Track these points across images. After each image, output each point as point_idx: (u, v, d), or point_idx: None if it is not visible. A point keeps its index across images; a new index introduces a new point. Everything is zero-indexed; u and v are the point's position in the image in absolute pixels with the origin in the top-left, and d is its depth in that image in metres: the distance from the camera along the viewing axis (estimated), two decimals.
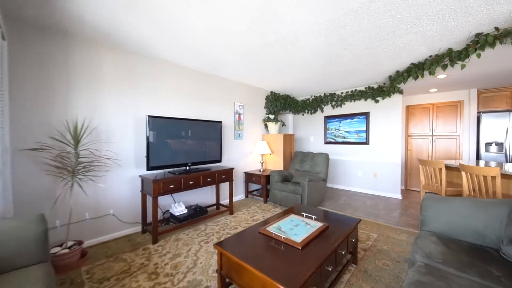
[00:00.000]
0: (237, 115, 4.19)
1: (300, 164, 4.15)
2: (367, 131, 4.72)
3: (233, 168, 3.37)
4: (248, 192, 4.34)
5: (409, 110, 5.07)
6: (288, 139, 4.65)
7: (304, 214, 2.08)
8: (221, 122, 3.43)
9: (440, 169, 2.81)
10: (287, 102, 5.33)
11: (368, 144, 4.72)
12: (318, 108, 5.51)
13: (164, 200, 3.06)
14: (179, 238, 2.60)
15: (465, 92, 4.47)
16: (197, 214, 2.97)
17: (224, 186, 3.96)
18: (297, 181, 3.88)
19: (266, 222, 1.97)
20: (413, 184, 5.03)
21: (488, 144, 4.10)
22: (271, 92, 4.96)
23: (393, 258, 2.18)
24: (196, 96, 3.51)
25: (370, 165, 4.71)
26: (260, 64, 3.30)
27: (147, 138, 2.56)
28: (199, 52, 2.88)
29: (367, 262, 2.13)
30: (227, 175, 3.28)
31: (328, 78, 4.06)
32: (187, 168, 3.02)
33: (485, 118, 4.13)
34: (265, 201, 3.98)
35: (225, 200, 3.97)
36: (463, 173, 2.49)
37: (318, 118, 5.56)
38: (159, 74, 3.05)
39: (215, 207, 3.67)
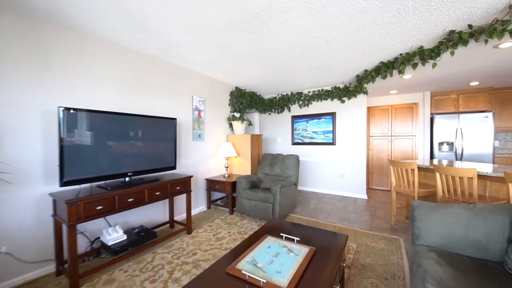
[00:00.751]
0: (197, 112, 3.55)
1: (269, 168, 3.76)
2: (333, 132, 4.62)
3: (191, 176, 2.75)
4: (210, 202, 3.74)
5: (370, 111, 5.20)
6: (256, 140, 4.22)
7: (284, 235, 1.63)
8: (175, 119, 2.77)
9: (413, 170, 2.74)
10: (254, 100, 4.90)
11: (335, 144, 4.62)
12: (285, 107, 5.23)
13: (93, 225, 2.26)
14: (112, 278, 1.88)
15: (420, 95, 4.74)
16: (141, 240, 2.26)
17: (182, 198, 3.28)
18: (267, 187, 3.46)
19: (236, 253, 1.46)
20: (375, 183, 5.16)
21: (440, 144, 4.39)
22: (236, 87, 4.46)
23: (380, 275, 1.92)
24: (142, 85, 2.77)
25: (337, 166, 4.62)
26: (222, 51, 2.77)
27: (61, 140, 1.77)
28: (145, 28, 2.20)
29: (354, 284, 1.81)
30: (183, 185, 2.65)
31: (297, 75, 3.77)
32: (127, 179, 2.29)
33: (437, 120, 4.41)
34: (231, 212, 3.45)
35: (182, 215, 3.30)
36: (437, 174, 2.42)
37: (285, 117, 5.28)
38: (85, 53, 2.25)
39: (168, 225, 2.97)
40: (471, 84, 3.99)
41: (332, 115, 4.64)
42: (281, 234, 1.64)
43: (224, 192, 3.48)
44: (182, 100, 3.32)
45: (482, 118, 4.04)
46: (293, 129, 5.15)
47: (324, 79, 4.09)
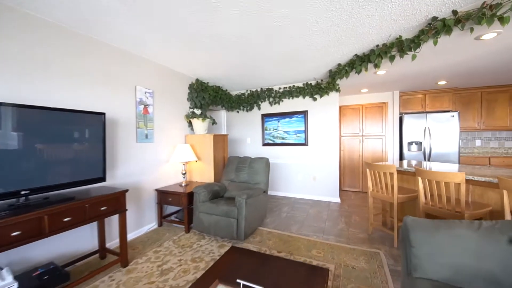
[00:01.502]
0: (142, 107, 2.87)
1: (235, 173, 3.23)
2: (306, 132, 4.29)
3: (125, 191, 2.08)
4: (162, 218, 3.07)
5: (341, 111, 5.01)
6: (221, 141, 3.65)
7: (242, 283, 1.12)
8: (102, 114, 2.08)
9: (392, 174, 2.46)
10: (219, 95, 4.33)
11: (307, 145, 4.29)
12: (255, 105, 4.76)
13: None
14: None
15: (389, 94, 4.67)
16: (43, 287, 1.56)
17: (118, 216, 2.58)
18: (232, 196, 2.94)
19: None
20: (347, 184, 4.98)
21: (409, 144, 4.34)
22: (197, 80, 3.84)
23: None
24: (58, 69, 2.03)
25: (309, 168, 4.30)
26: (171, 31, 2.17)
27: None
28: None
29: None
30: (113, 203, 1.97)
31: (266, 68, 3.32)
32: (21, 200, 1.57)
33: (406, 119, 4.35)
34: (187, 230, 2.84)
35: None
36: (419, 179, 2.15)
37: (255, 116, 4.81)
38: None
39: (98, 255, 2.26)
40: (439, 83, 3.98)
41: (304, 113, 4.30)
42: (237, 280, 1.13)
43: (179, 206, 2.86)
44: (120, 91, 2.62)
45: (449, 117, 4.06)
46: (263, 129, 4.71)
47: (295, 74, 3.71)
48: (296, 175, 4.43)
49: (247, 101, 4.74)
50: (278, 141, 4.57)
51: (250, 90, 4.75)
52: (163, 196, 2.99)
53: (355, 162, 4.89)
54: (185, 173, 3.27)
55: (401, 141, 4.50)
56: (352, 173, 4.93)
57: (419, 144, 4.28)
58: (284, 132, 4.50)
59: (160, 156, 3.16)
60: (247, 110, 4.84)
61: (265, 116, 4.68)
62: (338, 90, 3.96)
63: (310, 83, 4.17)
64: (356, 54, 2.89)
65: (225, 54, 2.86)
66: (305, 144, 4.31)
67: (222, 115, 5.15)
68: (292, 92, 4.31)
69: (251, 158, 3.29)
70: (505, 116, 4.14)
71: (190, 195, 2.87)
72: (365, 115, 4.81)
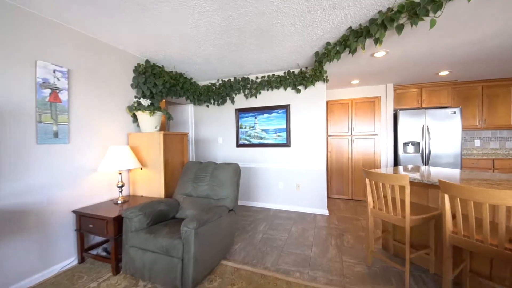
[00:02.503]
0: (48, 91, 1.96)
1: (193, 185, 2.41)
2: (288, 130, 3.56)
3: None
4: (84, 251, 2.17)
5: (329, 106, 4.35)
6: (178, 142, 2.81)
7: None
8: None
9: (403, 188, 1.78)
10: (180, 84, 3.46)
11: (289, 146, 3.57)
12: (228, 98, 3.96)
13: None
14: None
15: (382, 88, 4.08)
16: None
17: (21, 248, 1.67)
18: (186, 217, 2.13)
19: None
20: (335, 190, 4.34)
21: (405, 144, 3.77)
22: (147, 61, 2.96)
23: None
24: None
25: (292, 174, 3.57)
26: None
27: None
28: None
29: None
30: None
31: (238, 50, 2.53)
32: None
33: (402, 116, 3.78)
34: (115, 271, 1.97)
35: (20, 283, 1.69)
36: (446, 197, 1.48)
37: (228, 111, 4.01)
38: None
39: None
40: (440, 73, 3.43)
41: (286, 108, 3.57)
42: None
43: (103, 236, 1.99)
44: (5, 65, 1.70)
45: (450, 114, 3.53)
46: (238, 127, 3.92)
47: (274, 57, 2.96)
48: (276, 182, 3.69)
49: (217, 93, 3.93)
50: (255, 141, 3.80)
51: (222, 80, 3.94)
52: (84, 221, 2.10)
53: (344, 165, 4.26)
54: (122, 186, 2.40)
55: (396, 141, 3.92)
56: (340, 178, 4.29)
57: (417, 144, 3.72)
58: (263, 130, 3.75)
59: (81, 162, 2.26)
60: (218, 104, 4.02)
61: (240, 111, 3.90)
62: (325, 80, 3.27)
63: (293, 72, 3.44)
64: (350, 28, 2.20)
65: (181, 23, 2.04)
66: (287, 145, 3.58)
67: (188, 110, 4.28)
68: (271, 82, 3.57)
69: (215, 164, 2.49)
70: (508, 114, 3.69)
71: (119, 221, 2.01)
72: (356, 112, 4.19)
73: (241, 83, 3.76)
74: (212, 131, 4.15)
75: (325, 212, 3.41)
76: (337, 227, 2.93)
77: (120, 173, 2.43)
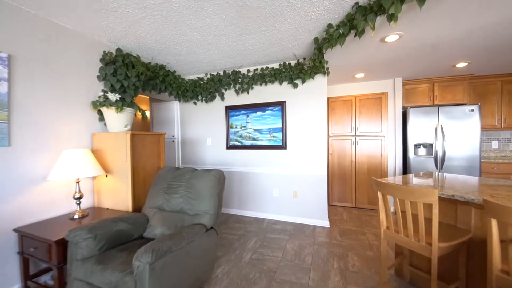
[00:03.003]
0: None
1: (165, 196, 1.98)
2: (283, 130, 3.14)
3: None
4: (27, 278, 1.75)
5: (330, 104, 3.93)
6: (152, 144, 2.39)
7: None
8: None
9: (430, 206, 1.36)
10: (159, 77, 3.03)
11: (285, 148, 3.15)
12: (217, 94, 3.54)
13: None
14: None
15: (389, 82, 3.65)
16: None
17: None
18: (155, 236, 1.71)
19: None
20: (336, 197, 3.91)
21: (416, 146, 3.34)
22: (118, 50, 2.53)
23: None
24: None
25: (288, 180, 3.15)
26: None
27: None
28: None
29: None
30: None
31: (223, 30, 2.12)
32: None
33: (412, 115, 3.35)
34: None
35: None
36: (493, 222, 1.06)
37: (217, 109, 3.59)
38: None
39: None
40: (457, 65, 3.00)
41: (282, 105, 3.15)
42: None
43: (47, 262, 1.57)
44: None
45: (467, 112, 3.11)
46: (228, 126, 3.50)
47: (267, 44, 2.54)
48: (271, 189, 3.26)
49: (205, 88, 3.50)
50: (247, 142, 3.38)
51: (210, 74, 3.52)
52: (27, 242, 1.68)
53: (347, 169, 3.83)
54: (80, 198, 1.98)
55: (405, 143, 3.50)
56: (342, 184, 3.87)
57: (429, 146, 3.29)
58: (255, 130, 3.32)
59: (27, 169, 1.83)
60: (206, 101, 3.60)
61: (230, 109, 3.47)
62: (326, 72, 2.84)
63: (289, 63, 3.02)
64: (357, 3, 1.77)
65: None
66: (282, 147, 3.16)
67: (174, 107, 3.86)
68: (265, 76, 3.14)
69: (194, 170, 2.07)
70: None
71: (64, 245, 1.59)
72: (360, 110, 3.77)
73: (231, 77, 3.33)
74: (200, 131, 3.72)
75: (326, 223, 2.98)
76: (340, 243, 2.51)
77: (78, 182, 2.01)
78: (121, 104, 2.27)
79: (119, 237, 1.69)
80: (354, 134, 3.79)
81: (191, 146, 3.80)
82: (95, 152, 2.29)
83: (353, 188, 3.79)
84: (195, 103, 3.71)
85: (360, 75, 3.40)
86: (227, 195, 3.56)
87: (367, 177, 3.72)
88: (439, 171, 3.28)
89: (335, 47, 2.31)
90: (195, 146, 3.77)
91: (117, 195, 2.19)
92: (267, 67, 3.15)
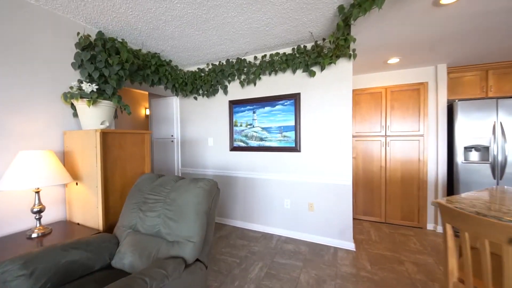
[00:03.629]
0: None
1: (139, 214, 1.52)
2: (297, 128, 2.58)
3: None
4: None
5: (353, 97, 3.31)
6: (133, 145, 1.95)
7: None
8: None
9: None
10: (151, 66, 2.60)
11: (299, 151, 2.59)
12: (219, 87, 3.06)
13: None
14: None
15: (430, 70, 2.96)
16: None
17: None
18: (123, 268, 1.24)
19: None
20: (361, 209, 3.27)
21: (467, 149, 2.63)
22: (100, 33, 2.12)
23: None
24: None
25: (303, 189, 2.59)
26: None
27: None
28: None
29: None
30: None
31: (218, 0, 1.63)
32: None
33: (461, 110, 2.65)
34: None
35: None
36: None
37: (219, 104, 3.11)
38: None
39: None
40: None
41: (295, 98, 2.60)
42: None
43: None
44: None
45: None
46: (231, 124, 3.00)
47: (275, 20, 2.00)
48: (281, 199, 2.72)
49: (206, 80, 3.04)
50: (253, 143, 2.86)
51: (212, 64, 3.04)
52: None
53: (375, 176, 3.18)
54: (39, 211, 1.57)
55: (452, 145, 2.79)
56: (369, 193, 3.22)
57: (484, 150, 2.57)
58: (263, 129, 2.80)
59: None
60: (207, 95, 3.13)
61: (235, 104, 2.98)
62: (353, 55, 2.25)
63: (304, 47, 2.46)
64: None
65: None
66: (296, 149, 2.60)
67: (173, 103, 3.43)
68: (275, 63, 2.61)
69: (177, 179, 1.58)
70: None
71: None
72: (392, 104, 3.11)
73: (235, 66, 2.84)
74: (201, 130, 3.27)
75: (351, 245, 2.38)
76: (371, 277, 1.91)
77: (38, 192, 1.60)
78: (96, 96, 1.85)
79: (70, 271, 1.24)
80: (384, 134, 3.13)
81: (192, 147, 3.35)
82: (67, 155, 1.89)
83: (382, 199, 3.14)
84: (195, 98, 3.25)
85: (394, 60, 2.75)
86: (230, 204, 3.06)
87: (400, 186, 3.05)
88: (497, 182, 2.56)
89: (369, 14, 1.72)
90: (195, 147, 3.32)
91: (87, 208, 1.76)
92: (277, 53, 2.61)
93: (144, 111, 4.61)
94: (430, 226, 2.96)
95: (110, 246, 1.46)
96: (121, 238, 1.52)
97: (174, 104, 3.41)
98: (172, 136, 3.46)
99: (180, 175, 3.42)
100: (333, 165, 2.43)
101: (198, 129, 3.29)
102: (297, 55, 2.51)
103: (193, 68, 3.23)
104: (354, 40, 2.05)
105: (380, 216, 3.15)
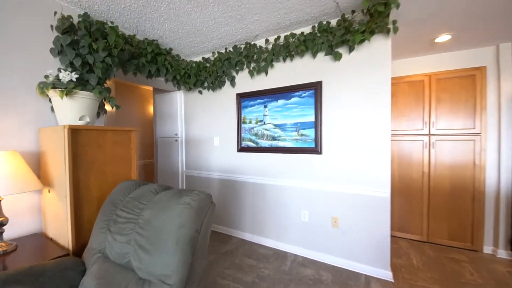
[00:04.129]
0: None
1: (108, 237, 1.16)
2: (318, 125, 2.10)
3: None
4: None
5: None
6: (115, 144, 1.61)
7: None
8: None
9: None
10: (147, 54, 2.26)
11: (319, 152, 2.11)
12: (226, 78, 2.67)
13: None
14: None
15: (489, 51, 2.32)
16: None
17: None
18: None
19: None
20: (397, 224, 2.70)
21: None
22: (85, 14, 1.81)
23: None
24: None
25: (325, 200, 2.11)
26: None
27: None
28: None
29: None
30: None
31: None
32: None
33: None
34: None
35: None
36: None
37: (226, 98, 2.72)
38: None
39: None
40: None
41: (315, 88, 2.12)
42: None
43: None
44: None
45: None
46: (239, 121, 2.59)
47: None
48: (298, 210, 2.26)
49: (211, 71, 2.66)
50: (264, 143, 2.43)
51: (218, 52, 2.65)
52: None
53: (414, 183, 2.60)
54: (1, 224, 1.28)
55: None
56: (406, 204, 2.64)
57: None
58: (276, 126, 2.35)
59: None
60: (212, 88, 2.75)
61: (243, 98, 2.56)
62: (392, 28, 1.73)
63: (328, 23, 1.98)
64: None
65: None
66: (316, 150, 2.13)
67: (177, 98, 3.10)
68: (290, 47, 2.15)
69: (157, 191, 1.20)
70: None
71: None
72: (438, 95, 2.50)
73: (243, 52, 2.42)
74: (206, 128, 2.90)
75: (387, 274, 1.86)
76: None
77: None
78: (72, 86, 1.53)
79: None
80: (427, 132, 2.54)
81: (196, 147, 3.00)
82: (42, 156, 1.60)
83: (424, 213, 2.55)
84: (200, 92, 2.89)
85: (444, 38, 2.15)
86: (237, 213, 2.66)
87: (448, 197, 2.45)
88: None
89: None
90: (200, 147, 2.96)
91: (59, 222, 1.44)
92: (292, 34, 2.15)
93: (152, 109, 4.38)
94: (487, 249, 2.33)
95: (72, 276, 1.12)
96: (89, 265, 1.17)
97: (178, 99, 3.08)
98: (176, 135, 3.13)
99: (184, 177, 3.09)
100: (364, 171, 1.92)
101: (203, 127, 2.92)
102: (318, 35, 2.03)
103: (198, 58, 2.88)
104: (398, 4, 1.53)
105: (421, 234, 2.56)
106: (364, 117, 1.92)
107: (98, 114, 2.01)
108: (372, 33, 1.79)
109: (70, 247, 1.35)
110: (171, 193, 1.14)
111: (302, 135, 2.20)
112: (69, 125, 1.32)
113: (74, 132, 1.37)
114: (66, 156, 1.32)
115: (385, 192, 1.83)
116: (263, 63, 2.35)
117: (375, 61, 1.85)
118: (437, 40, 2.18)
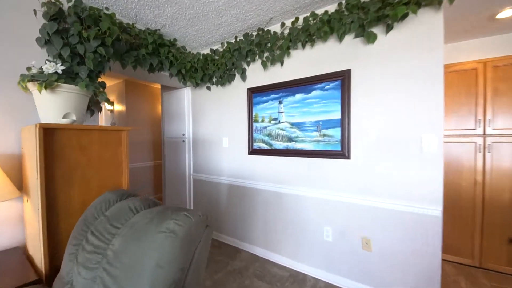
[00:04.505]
0: None
1: (75, 268, 0.90)
2: (345, 123, 1.73)
3: None
4: None
5: None
6: (101, 146, 1.36)
7: None
8: None
9: None
10: (147, 46, 2.01)
11: (347, 157, 1.73)
12: (236, 71, 2.37)
13: None
14: None
15: None
16: None
17: None
18: None
19: None
20: (447, 245, 2.22)
21: None
22: (77, 1, 1.61)
23: None
24: None
25: (353, 216, 1.73)
26: None
27: None
28: None
29: None
30: None
31: None
32: None
33: None
34: None
35: None
36: None
37: (236, 94, 2.42)
38: None
39: None
40: None
41: (342, 78, 1.75)
42: None
43: None
44: None
45: None
46: (251, 119, 2.28)
47: None
48: (319, 226, 1.90)
49: (220, 63, 2.37)
50: (279, 144, 2.10)
51: (227, 42, 2.36)
52: None
53: (464, 195, 2.12)
54: None
55: None
56: (453, 219, 2.17)
57: None
58: (293, 125, 2.01)
59: None
60: (221, 83, 2.47)
61: (255, 93, 2.25)
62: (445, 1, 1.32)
63: None
64: None
65: None
66: (342, 153, 1.76)
67: (184, 96, 2.86)
68: (311, 29, 1.79)
69: (139, 208, 0.92)
70: None
71: None
72: (495, 87, 2.01)
73: (255, 40, 2.10)
74: (215, 127, 2.62)
75: None
76: None
77: None
78: (55, 79, 1.31)
79: None
80: (481, 133, 2.05)
81: (204, 148, 2.74)
82: (23, 159, 1.40)
83: (476, 231, 2.06)
84: (208, 88, 2.62)
85: (507, 13, 1.68)
86: (247, 223, 2.35)
87: (508, 213, 1.95)
88: None
89: None
90: (208, 148, 2.69)
91: (35, 237, 1.22)
92: (314, 14, 1.80)
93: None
94: None
95: None
96: None
97: (186, 96, 2.83)
98: (183, 135, 2.89)
99: (191, 181, 2.84)
100: (407, 182, 1.52)
101: (211, 127, 2.65)
102: (346, 13, 1.66)
103: (206, 50, 2.61)
104: None
105: (472, 257, 2.08)
106: (407, 113, 1.52)
107: (92, 112, 1.80)
108: (418, 4, 1.39)
109: (43, 269, 1.12)
110: (152, 213, 0.85)
111: (324, 135, 1.84)
112: (40, 123, 1.09)
113: (50, 132, 1.14)
114: (38, 160, 1.09)
115: (436, 210, 1.42)
116: (278, 52, 2.02)
117: (422, 42, 1.45)
118: (499, 15, 1.71)
